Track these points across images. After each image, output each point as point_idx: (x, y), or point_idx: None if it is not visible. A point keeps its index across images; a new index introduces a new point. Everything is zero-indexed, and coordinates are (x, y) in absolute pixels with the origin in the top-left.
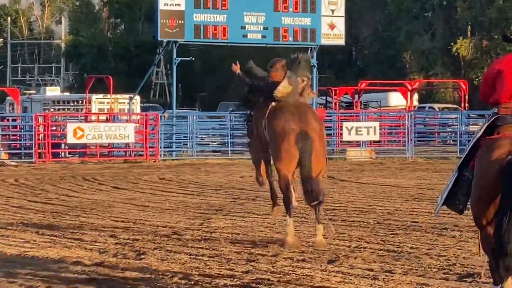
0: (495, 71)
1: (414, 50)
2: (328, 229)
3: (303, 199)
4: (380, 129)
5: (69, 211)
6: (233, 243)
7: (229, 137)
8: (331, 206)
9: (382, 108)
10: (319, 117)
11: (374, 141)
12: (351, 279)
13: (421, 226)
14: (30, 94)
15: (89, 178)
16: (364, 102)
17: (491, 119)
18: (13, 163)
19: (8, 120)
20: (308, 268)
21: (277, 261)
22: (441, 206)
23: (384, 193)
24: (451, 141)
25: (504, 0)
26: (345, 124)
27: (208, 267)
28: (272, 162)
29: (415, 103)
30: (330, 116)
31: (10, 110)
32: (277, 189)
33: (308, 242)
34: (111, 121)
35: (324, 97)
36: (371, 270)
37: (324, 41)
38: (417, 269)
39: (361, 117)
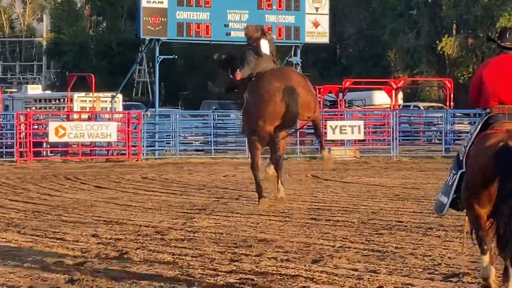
0: (479, 77)
1: (399, 48)
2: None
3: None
4: (365, 128)
5: (51, 210)
6: (216, 243)
7: (212, 136)
8: (315, 205)
9: (366, 107)
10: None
11: (359, 140)
12: (335, 279)
13: (406, 226)
14: (11, 92)
15: (71, 177)
16: (348, 100)
17: (485, 118)
18: None
19: None
20: (292, 268)
21: (261, 261)
22: (448, 208)
23: (368, 193)
24: (436, 140)
25: None
26: (329, 123)
27: (191, 267)
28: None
29: (400, 101)
30: None
31: None
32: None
33: (292, 241)
34: (93, 119)
35: None
36: (356, 270)
37: (308, 39)
38: (402, 269)
39: (345, 115)
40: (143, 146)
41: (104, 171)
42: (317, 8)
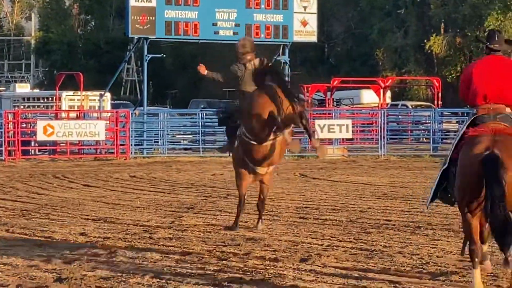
0: (468, 75)
1: (387, 47)
2: None
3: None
4: (353, 126)
5: (39, 209)
6: (204, 242)
7: (200, 134)
8: (303, 204)
9: (354, 106)
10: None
11: (347, 139)
12: (323, 278)
13: (394, 225)
14: None
15: (59, 175)
16: (336, 99)
17: (471, 119)
18: None
19: None
20: (280, 267)
21: (249, 259)
22: (432, 201)
23: (356, 191)
24: (424, 139)
25: None
26: (317, 121)
27: (179, 265)
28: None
29: (388, 100)
30: None
31: None
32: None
33: (281, 240)
34: (81, 118)
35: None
36: (344, 269)
37: (296, 38)
38: (390, 268)
39: (333, 114)
40: (131, 145)
41: (93, 170)
42: (305, 7)
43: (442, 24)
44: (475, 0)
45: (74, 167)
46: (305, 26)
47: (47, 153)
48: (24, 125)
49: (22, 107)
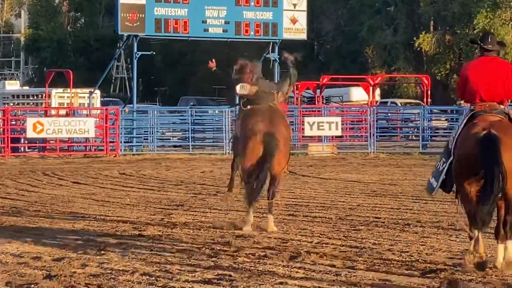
0: (464, 77)
1: (376, 44)
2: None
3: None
4: (342, 124)
5: (28, 206)
6: (194, 239)
7: (190, 132)
8: (293, 201)
9: (344, 103)
10: (287, 124)
11: (336, 136)
12: (313, 275)
13: (383, 222)
14: None
15: (49, 173)
16: (326, 97)
17: (469, 115)
18: None
19: None
20: (270, 264)
21: (238, 256)
22: (437, 190)
23: (346, 189)
24: (413, 136)
25: None
26: (306, 119)
27: (169, 262)
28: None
29: (377, 98)
30: (292, 111)
31: None
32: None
33: (270, 237)
34: (71, 115)
35: None
36: (334, 266)
37: (286, 36)
38: (379, 265)
39: (323, 112)
40: (121, 142)
41: (82, 167)
42: (294, 5)
43: (432, 22)
44: None
45: (63, 164)
46: (294, 24)
47: (37, 150)
48: (14, 122)
49: (11, 104)
